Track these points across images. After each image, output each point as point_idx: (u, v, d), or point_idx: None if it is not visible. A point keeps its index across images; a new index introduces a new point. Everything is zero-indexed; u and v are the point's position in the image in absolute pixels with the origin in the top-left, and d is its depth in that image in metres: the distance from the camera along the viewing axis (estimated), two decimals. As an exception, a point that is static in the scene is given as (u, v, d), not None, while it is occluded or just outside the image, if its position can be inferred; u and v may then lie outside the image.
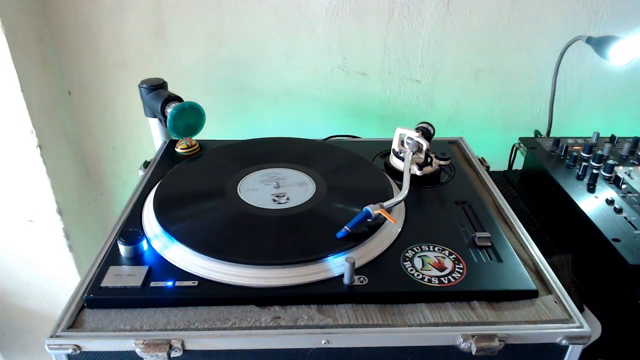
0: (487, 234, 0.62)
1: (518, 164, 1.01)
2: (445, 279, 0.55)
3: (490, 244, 0.61)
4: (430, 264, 0.58)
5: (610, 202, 0.73)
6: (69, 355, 0.50)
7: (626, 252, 0.62)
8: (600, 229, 0.67)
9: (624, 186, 0.78)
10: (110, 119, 1.14)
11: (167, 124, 0.80)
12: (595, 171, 0.80)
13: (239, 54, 1.08)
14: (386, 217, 0.61)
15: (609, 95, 1.14)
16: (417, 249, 0.60)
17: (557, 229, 0.81)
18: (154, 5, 1.02)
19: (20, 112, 0.96)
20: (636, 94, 1.14)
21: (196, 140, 0.87)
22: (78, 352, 0.50)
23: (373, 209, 0.61)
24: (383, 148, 0.86)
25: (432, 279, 0.55)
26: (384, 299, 0.54)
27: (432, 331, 0.51)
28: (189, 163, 0.79)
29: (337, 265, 0.56)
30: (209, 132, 0.87)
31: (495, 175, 0.99)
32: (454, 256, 0.59)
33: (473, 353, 0.50)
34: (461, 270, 0.57)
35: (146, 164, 0.83)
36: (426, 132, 0.78)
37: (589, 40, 0.92)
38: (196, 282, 0.54)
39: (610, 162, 0.84)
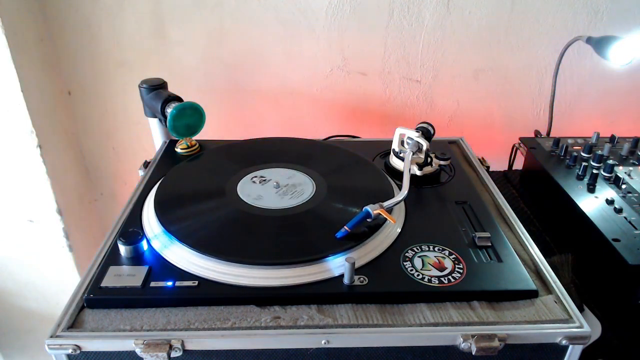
0: (487, 234, 0.62)
1: (518, 164, 1.01)
2: (445, 279, 0.55)
3: (490, 244, 0.61)
4: (430, 264, 0.58)
5: (610, 202, 0.73)
6: (69, 355, 0.50)
7: (626, 252, 0.62)
8: (600, 229, 0.67)
9: (624, 186, 0.78)
10: (110, 119, 1.14)
11: (167, 124, 0.80)
12: (595, 171, 0.80)
13: (239, 54, 1.08)
14: (386, 217, 0.61)
15: (609, 95, 1.14)
16: (417, 249, 0.60)
17: (557, 229, 0.81)
18: (154, 5, 1.02)
19: (20, 112, 0.96)
20: (636, 94, 1.14)
21: (196, 140, 0.87)
22: (78, 352, 0.50)
23: (373, 209, 0.61)
24: (383, 148, 0.86)
25: (432, 279, 0.55)
26: (384, 299, 0.54)
27: (432, 331, 0.51)
28: (189, 163, 0.79)
29: (337, 265, 0.56)
30: (209, 132, 0.87)
31: (495, 175, 0.99)
32: (454, 256, 0.59)
33: (473, 353, 0.50)
34: (461, 270, 0.57)
35: (146, 164, 0.83)
36: (426, 132, 0.78)
37: (589, 40, 0.92)
38: (196, 282, 0.54)
39: (610, 162, 0.84)
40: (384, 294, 0.54)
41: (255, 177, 0.74)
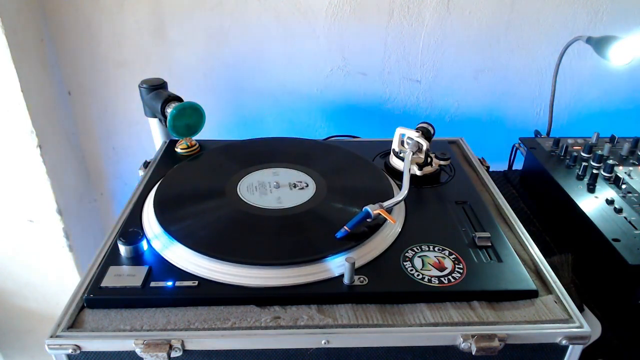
0: (487, 234, 0.62)
1: (518, 164, 1.01)
2: (445, 279, 0.55)
3: (490, 244, 0.61)
4: (430, 264, 0.58)
5: (610, 202, 0.73)
6: (69, 355, 0.50)
7: (626, 252, 0.62)
8: (600, 229, 0.67)
9: (624, 186, 0.78)
10: (110, 119, 1.14)
11: (167, 124, 0.80)
12: (595, 171, 0.80)
13: (239, 54, 1.08)
14: (386, 217, 0.61)
15: (609, 95, 1.14)
16: (417, 249, 0.60)
17: (557, 229, 0.81)
18: (154, 5, 1.02)
19: (20, 112, 0.96)
20: (636, 94, 1.14)
21: (196, 140, 0.87)
22: (78, 352, 0.50)
23: (373, 209, 0.61)
24: (383, 148, 0.86)
25: (432, 279, 0.55)
26: (384, 299, 0.54)
27: (432, 331, 0.51)
28: (189, 163, 0.79)
29: (337, 265, 0.56)
30: (209, 132, 0.87)
31: (495, 175, 0.99)
32: (454, 256, 0.59)
33: (473, 353, 0.50)
34: (461, 270, 0.57)
35: (146, 164, 0.83)
36: (426, 132, 0.78)
37: (589, 40, 0.92)
38: (196, 282, 0.54)
39: (610, 162, 0.84)
40: (384, 294, 0.54)
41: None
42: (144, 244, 0.60)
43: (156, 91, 0.84)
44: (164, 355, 0.49)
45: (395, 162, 0.80)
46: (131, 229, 0.61)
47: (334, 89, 1.13)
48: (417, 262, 0.58)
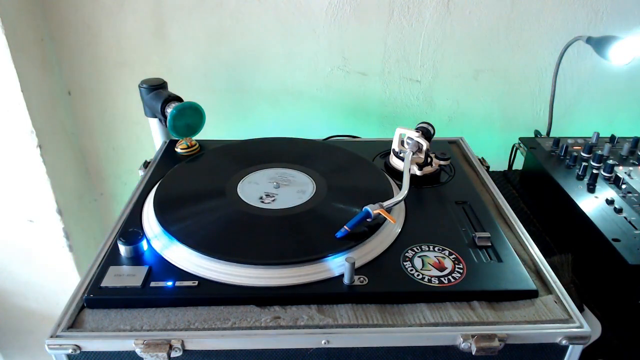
0: (487, 234, 0.62)
1: (518, 164, 1.01)
2: (445, 279, 0.55)
3: (490, 244, 0.61)
4: (430, 264, 0.58)
5: (610, 202, 0.73)
6: (69, 355, 0.50)
7: (626, 252, 0.62)
8: (600, 229, 0.67)
9: (624, 186, 0.78)
10: (110, 119, 1.14)
11: (167, 124, 0.80)
12: (595, 171, 0.80)
13: (239, 54, 1.08)
14: (386, 217, 0.61)
15: (609, 95, 1.14)
16: (417, 249, 0.60)
17: (557, 229, 0.81)
18: (154, 6, 1.02)
19: (20, 112, 0.96)
20: (636, 94, 1.14)
21: (196, 140, 0.87)
22: (78, 352, 0.50)
23: (372, 209, 0.61)
24: (383, 148, 0.86)
25: (432, 279, 0.55)
26: (384, 299, 0.54)
27: (432, 331, 0.51)
28: (189, 163, 0.79)
29: (337, 265, 0.56)
30: (209, 132, 0.87)
31: (495, 175, 0.99)
32: (454, 256, 0.59)
33: (473, 353, 0.50)
34: (461, 270, 0.57)
35: (146, 164, 0.83)
36: (426, 132, 0.78)
37: (589, 40, 0.92)
38: (196, 282, 0.54)
39: (610, 162, 0.84)
40: (384, 294, 0.54)
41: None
42: (144, 244, 0.60)
43: (156, 91, 0.84)
44: (164, 355, 0.49)
45: (395, 162, 0.80)
46: (131, 229, 0.61)
47: (334, 89, 1.13)
48: (417, 262, 0.58)
